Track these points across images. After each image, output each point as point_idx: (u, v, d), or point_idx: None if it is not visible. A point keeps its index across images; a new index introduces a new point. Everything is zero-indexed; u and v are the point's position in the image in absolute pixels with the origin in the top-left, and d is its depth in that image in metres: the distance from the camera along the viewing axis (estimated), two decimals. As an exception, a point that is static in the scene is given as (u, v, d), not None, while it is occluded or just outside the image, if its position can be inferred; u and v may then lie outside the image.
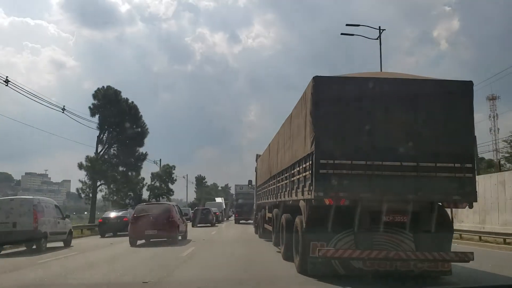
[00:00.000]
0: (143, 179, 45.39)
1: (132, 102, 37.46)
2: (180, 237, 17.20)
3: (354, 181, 7.16)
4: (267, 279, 8.56)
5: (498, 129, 58.27)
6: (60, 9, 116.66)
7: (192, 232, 22.27)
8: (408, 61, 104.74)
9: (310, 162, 7.54)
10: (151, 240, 16.19)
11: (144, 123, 38.69)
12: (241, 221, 35.14)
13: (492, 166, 36.37)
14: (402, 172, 7.16)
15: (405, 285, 7.56)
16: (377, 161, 7.16)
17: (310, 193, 7.52)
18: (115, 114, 35.60)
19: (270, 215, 14.13)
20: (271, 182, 13.74)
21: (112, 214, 23.98)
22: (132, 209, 22.96)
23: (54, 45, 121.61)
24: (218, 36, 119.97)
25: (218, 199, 53.59)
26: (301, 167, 8.47)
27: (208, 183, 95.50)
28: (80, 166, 34.10)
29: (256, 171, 21.45)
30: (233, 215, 44.66)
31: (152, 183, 49.82)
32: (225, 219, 47.74)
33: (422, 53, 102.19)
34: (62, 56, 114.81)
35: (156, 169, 49.59)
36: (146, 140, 38.43)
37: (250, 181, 29.04)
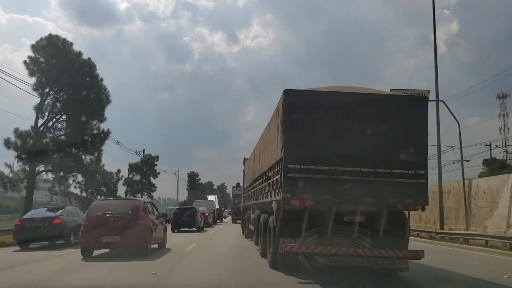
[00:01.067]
0: (115, 171, 39.02)
1: (89, 58, 27.15)
2: (156, 245, 13.29)
3: (318, 184, 7.94)
4: (242, 274, 9.30)
5: (509, 128, 56.58)
6: (59, 6, 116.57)
7: (173, 238, 17.92)
8: (407, 63, 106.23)
9: (280, 166, 8.34)
10: (112, 249, 12.33)
11: (105, 88, 27.90)
12: (237, 221, 35.78)
13: (505, 167, 36.34)
14: (361, 177, 7.96)
15: (360, 279, 8.36)
16: (339, 166, 7.95)
17: (279, 194, 8.33)
18: (62, 72, 25.63)
19: (253, 216, 14.96)
20: (254, 185, 14.57)
21: (39, 214, 16.33)
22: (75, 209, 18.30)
23: None
24: (217, 35, 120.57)
25: (211, 197, 47.19)
26: (274, 170, 9.28)
27: (203, 182, 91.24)
28: (7, 143, 23.85)
29: (243, 173, 22.33)
30: (230, 215, 45.40)
31: (130, 176, 43.09)
32: (218, 221, 42.47)
33: (421, 55, 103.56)
34: None
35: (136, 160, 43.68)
36: (107, 112, 28.24)
37: (238, 184, 30.09)
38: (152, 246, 12.60)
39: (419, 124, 8.22)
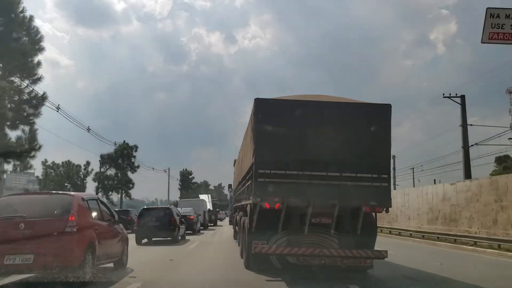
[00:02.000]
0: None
1: None
2: (111, 264, 9.04)
3: (287, 188, 8.40)
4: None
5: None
6: (55, 6, 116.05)
7: (136, 254, 12.31)
8: (404, 64, 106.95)
9: (252, 171, 8.79)
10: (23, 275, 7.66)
11: (36, 30, 19.56)
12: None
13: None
14: (327, 181, 8.43)
15: (329, 276, 8.82)
16: (306, 171, 8.41)
17: (251, 198, 8.77)
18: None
19: (238, 218, 15.46)
20: (238, 187, 15.07)
21: None
22: None
23: (48, 43, 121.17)
24: (215, 36, 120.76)
25: (203, 196, 41.33)
26: (249, 175, 9.74)
27: (198, 181, 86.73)
28: None
29: (234, 175, 22.78)
30: (227, 216, 43.19)
31: (102, 169, 35.33)
32: (211, 224, 36.10)
33: (419, 56, 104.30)
34: (57, 55, 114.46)
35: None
36: (43, 60, 20.70)
37: (230, 185, 30.32)
38: (106, 265, 8.69)
39: (383, 130, 8.70)
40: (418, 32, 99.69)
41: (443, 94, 28.15)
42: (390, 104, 8.74)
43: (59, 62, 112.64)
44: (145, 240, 18.06)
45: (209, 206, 38.24)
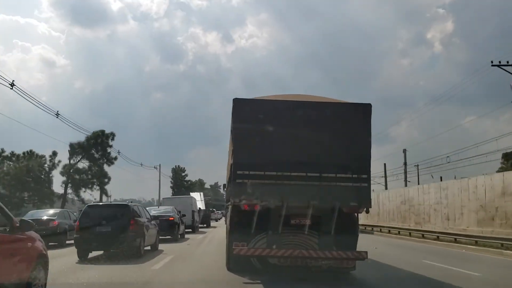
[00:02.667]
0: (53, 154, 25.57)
1: None
2: None
3: (266, 189, 8.30)
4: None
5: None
6: (50, 6, 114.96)
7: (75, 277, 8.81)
8: (402, 62, 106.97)
9: (231, 172, 8.68)
10: None
11: None
12: None
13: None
14: (307, 182, 8.34)
15: (308, 277, 8.76)
16: (286, 172, 8.31)
17: (230, 199, 8.67)
18: None
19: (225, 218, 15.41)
20: (226, 188, 14.99)
21: None
22: None
23: (44, 43, 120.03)
24: (211, 36, 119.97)
25: (194, 194, 37.21)
26: (230, 176, 9.62)
27: (192, 179, 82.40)
28: None
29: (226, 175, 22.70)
30: (224, 216, 42.08)
31: (72, 162, 28.70)
32: (204, 225, 32.66)
33: (416, 54, 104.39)
34: (53, 55, 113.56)
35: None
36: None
37: (224, 185, 29.55)
38: None
39: (363, 130, 8.61)
40: (415, 31, 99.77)
41: (492, 62, 23.11)
42: (370, 104, 8.65)
43: (55, 62, 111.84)
44: (95, 254, 12.34)
45: (200, 205, 34.68)
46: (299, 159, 8.39)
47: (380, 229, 27.18)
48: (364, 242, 11.13)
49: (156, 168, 52.18)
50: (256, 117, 8.57)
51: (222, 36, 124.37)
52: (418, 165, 39.95)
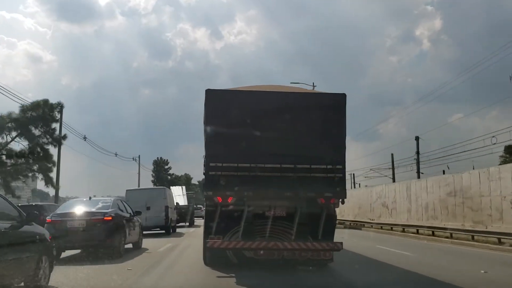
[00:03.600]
0: None
1: None
2: None
3: (240, 181, 8.17)
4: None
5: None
6: (36, 1, 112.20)
7: None
8: (390, 59, 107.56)
9: (204, 164, 8.52)
10: None
11: None
12: None
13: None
14: (281, 173, 8.23)
15: (287, 271, 8.68)
16: (260, 163, 8.19)
17: (204, 192, 8.52)
18: None
19: None
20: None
21: None
22: None
23: (30, 38, 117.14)
24: (200, 32, 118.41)
25: (175, 188, 32.94)
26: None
27: (178, 174, 77.82)
28: None
29: None
30: None
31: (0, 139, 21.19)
32: (186, 224, 27.25)
33: (405, 52, 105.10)
34: (39, 50, 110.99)
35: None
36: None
37: (202, 179, 27.96)
38: None
39: (337, 121, 8.53)
40: (403, 28, 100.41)
41: None
42: (344, 94, 8.56)
43: (41, 57, 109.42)
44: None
45: (180, 200, 30.66)
46: (274, 150, 8.28)
47: (417, 231, 20.07)
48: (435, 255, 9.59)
49: (135, 160, 48.40)
50: (229, 108, 8.43)
51: (211, 32, 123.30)
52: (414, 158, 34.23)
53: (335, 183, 8.37)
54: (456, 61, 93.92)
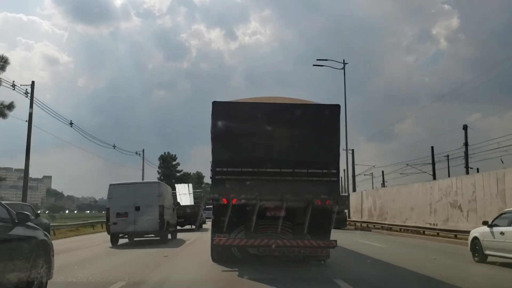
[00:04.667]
0: None
1: None
2: None
3: (243, 184, 9.03)
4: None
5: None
6: (52, 2, 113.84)
7: None
8: (407, 59, 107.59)
9: (211, 169, 9.41)
10: None
11: None
12: None
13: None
14: (281, 177, 9.09)
15: (287, 267, 9.52)
16: (261, 168, 9.05)
17: (211, 194, 9.42)
18: None
19: None
20: None
21: None
22: None
23: (47, 40, 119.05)
24: (215, 32, 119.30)
25: (180, 186, 29.27)
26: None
27: (190, 172, 71.75)
28: None
29: None
30: None
31: None
32: (192, 226, 24.87)
33: (421, 51, 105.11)
34: (56, 52, 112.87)
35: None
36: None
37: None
38: None
39: (332, 129, 9.36)
40: (420, 27, 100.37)
41: None
42: (339, 105, 9.38)
43: (58, 59, 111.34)
44: None
45: (186, 199, 26.70)
46: (274, 156, 9.12)
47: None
48: None
49: (139, 154, 42.88)
50: (233, 118, 9.29)
51: (226, 33, 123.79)
52: (448, 155, 31.91)
53: (330, 186, 9.19)
54: (474, 59, 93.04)
